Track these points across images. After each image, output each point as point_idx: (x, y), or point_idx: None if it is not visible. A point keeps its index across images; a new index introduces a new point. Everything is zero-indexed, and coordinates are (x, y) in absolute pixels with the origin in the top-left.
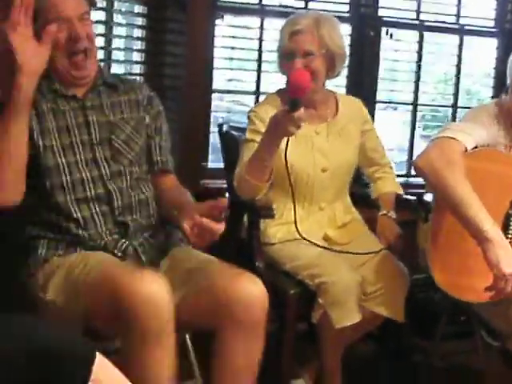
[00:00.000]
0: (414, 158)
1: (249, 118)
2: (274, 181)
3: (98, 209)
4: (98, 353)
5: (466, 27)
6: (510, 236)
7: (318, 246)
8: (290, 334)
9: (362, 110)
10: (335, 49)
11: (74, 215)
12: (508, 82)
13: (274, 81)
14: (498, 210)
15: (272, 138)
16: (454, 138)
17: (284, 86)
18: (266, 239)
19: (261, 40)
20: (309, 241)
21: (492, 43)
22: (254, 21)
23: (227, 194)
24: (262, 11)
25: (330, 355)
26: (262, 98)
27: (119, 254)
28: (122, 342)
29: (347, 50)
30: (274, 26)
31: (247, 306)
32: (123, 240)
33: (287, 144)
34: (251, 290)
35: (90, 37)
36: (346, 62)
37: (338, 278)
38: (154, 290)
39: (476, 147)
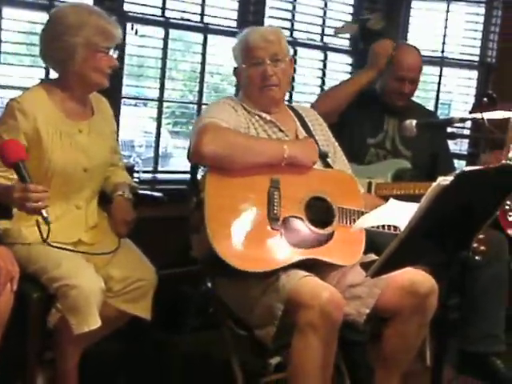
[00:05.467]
0: (161, 153)
1: (9, 107)
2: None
3: None
4: None
5: (210, 26)
6: (275, 210)
7: (60, 248)
8: (34, 340)
9: (109, 110)
10: None
11: None
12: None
13: (12, 73)
14: (262, 187)
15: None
16: (210, 122)
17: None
18: (19, 240)
19: None
20: (51, 245)
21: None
22: None
23: None
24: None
25: (67, 358)
26: None
27: None
28: None
29: None
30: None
31: None
32: None
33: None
34: None
35: None
36: None
37: (79, 282)
38: None
39: None
